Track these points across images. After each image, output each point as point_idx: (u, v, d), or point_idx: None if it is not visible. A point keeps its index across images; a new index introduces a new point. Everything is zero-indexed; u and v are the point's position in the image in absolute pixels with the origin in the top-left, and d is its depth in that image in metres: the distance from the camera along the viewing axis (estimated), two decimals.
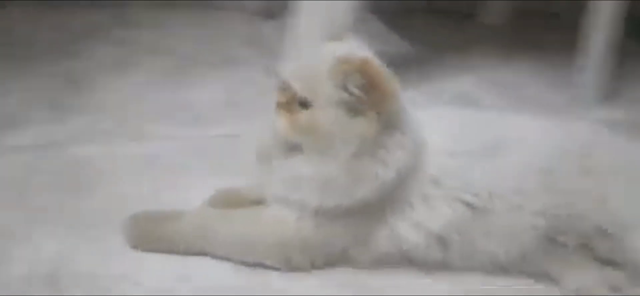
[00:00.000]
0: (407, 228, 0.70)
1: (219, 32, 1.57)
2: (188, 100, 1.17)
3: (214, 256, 0.71)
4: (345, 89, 0.65)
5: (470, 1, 1.93)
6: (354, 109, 0.65)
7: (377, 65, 0.67)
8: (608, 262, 0.68)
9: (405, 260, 0.71)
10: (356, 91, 0.64)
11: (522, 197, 0.70)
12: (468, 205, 0.70)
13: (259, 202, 0.77)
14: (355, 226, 0.70)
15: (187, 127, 1.06)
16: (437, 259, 0.71)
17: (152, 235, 0.72)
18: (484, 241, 0.70)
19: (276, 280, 0.70)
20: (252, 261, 0.71)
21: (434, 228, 0.69)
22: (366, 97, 0.64)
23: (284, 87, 0.69)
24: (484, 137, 0.75)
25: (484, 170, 0.71)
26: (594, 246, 0.69)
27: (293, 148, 0.69)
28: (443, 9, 1.95)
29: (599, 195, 0.70)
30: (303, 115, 0.67)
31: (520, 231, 0.70)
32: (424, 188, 0.70)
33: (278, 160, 0.72)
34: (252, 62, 1.39)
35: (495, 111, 0.87)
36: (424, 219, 0.69)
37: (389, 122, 0.67)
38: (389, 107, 0.66)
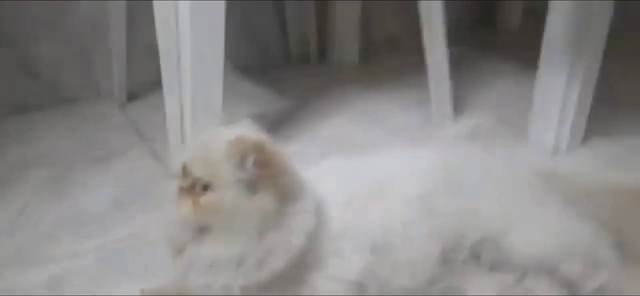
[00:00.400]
0: (327, 283, 0.76)
1: (89, 127, 1.53)
2: (79, 208, 1.13)
3: None
4: (242, 168, 0.71)
5: (322, 47, 2.09)
6: (252, 187, 0.71)
7: (271, 144, 0.74)
8: (496, 267, 0.79)
9: None
10: (251, 169, 0.70)
11: (411, 228, 0.80)
12: (372, 247, 0.78)
13: None
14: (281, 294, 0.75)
15: (86, 237, 1.03)
16: None
17: None
18: (395, 277, 0.79)
19: None
20: None
21: (351, 277, 0.77)
22: (262, 174, 0.71)
23: (185, 172, 0.73)
24: (369, 180, 0.85)
25: (375, 212, 0.80)
26: (481, 256, 0.80)
27: (203, 232, 0.73)
28: (297, 57, 2.09)
29: (472, 208, 0.82)
30: (205, 197, 0.71)
31: (419, 259, 0.79)
32: (332, 242, 0.78)
33: (191, 248, 0.75)
34: (133, 150, 1.39)
35: (373, 151, 0.97)
36: (339, 271, 0.77)
37: (288, 192, 0.74)
38: (284, 179, 0.73)
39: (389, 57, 2.13)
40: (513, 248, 0.79)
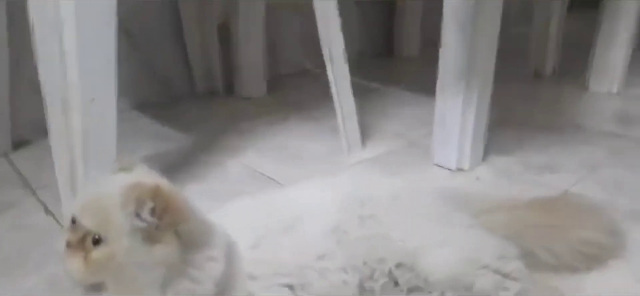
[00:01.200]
0: None
1: None
2: None
3: None
4: (139, 217, 0.64)
5: (229, 81, 2.06)
6: (151, 236, 0.65)
7: (169, 188, 0.68)
8: (413, 291, 0.79)
9: None
10: (149, 217, 0.64)
11: (325, 261, 0.78)
12: (287, 286, 0.75)
13: None
14: None
15: None
16: None
17: None
18: None
19: None
20: None
21: None
22: (161, 222, 0.65)
23: (74, 225, 0.66)
24: (279, 217, 0.82)
25: (288, 249, 0.78)
26: (397, 281, 0.79)
27: (96, 290, 0.66)
28: (203, 91, 2.04)
29: (384, 234, 0.82)
30: (97, 252, 0.64)
31: (337, 292, 0.77)
32: (245, 286, 0.73)
33: None
34: (20, 204, 1.25)
35: (284, 185, 0.95)
36: None
37: (191, 238, 0.68)
38: (186, 225, 0.67)
39: (296, 89, 2.14)
40: (428, 270, 0.80)
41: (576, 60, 2.22)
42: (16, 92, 1.49)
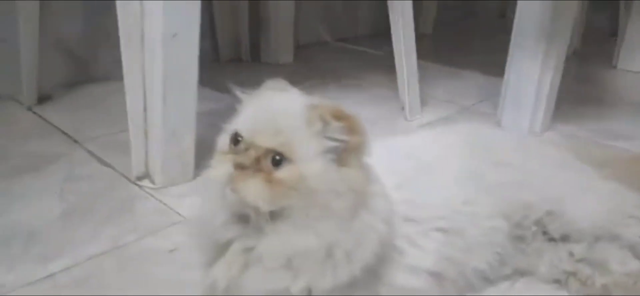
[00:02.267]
0: (404, 276, 0.64)
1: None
2: (18, 226, 0.86)
3: None
4: (329, 137, 0.56)
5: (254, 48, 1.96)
6: (339, 159, 0.56)
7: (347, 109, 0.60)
8: (562, 239, 0.74)
9: None
10: (341, 136, 0.56)
11: (473, 206, 0.72)
12: (442, 230, 0.68)
13: None
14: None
15: (43, 260, 0.78)
16: None
17: None
18: (467, 259, 0.70)
19: None
20: None
21: (427, 265, 0.66)
22: (350, 142, 0.56)
23: (245, 145, 0.56)
24: (413, 161, 0.75)
25: (432, 193, 0.71)
26: (547, 229, 0.74)
27: (265, 220, 0.55)
28: (227, 57, 1.94)
29: (524, 181, 0.76)
30: (284, 173, 0.54)
31: (489, 239, 0.71)
32: (402, 230, 0.66)
33: (241, 245, 0.58)
34: (69, 155, 1.12)
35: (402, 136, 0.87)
36: (415, 261, 0.65)
37: (366, 167, 0.61)
38: (366, 151, 0.60)
39: (323, 58, 2.06)
40: (576, 218, 0.75)
41: (595, 43, 2.25)
42: (41, 50, 1.36)
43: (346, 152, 0.57)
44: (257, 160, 0.55)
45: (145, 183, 1.00)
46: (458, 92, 1.66)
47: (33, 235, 0.84)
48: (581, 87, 1.81)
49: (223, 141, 0.59)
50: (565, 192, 0.77)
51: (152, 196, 0.97)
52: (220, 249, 0.60)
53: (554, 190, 0.76)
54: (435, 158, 0.77)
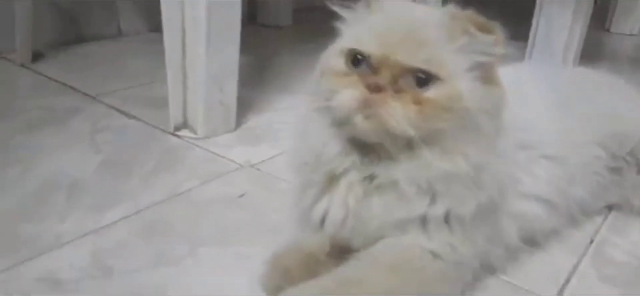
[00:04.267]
0: (524, 204, 0.60)
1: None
2: (62, 178, 0.76)
3: None
4: (477, 51, 0.49)
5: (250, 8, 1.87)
6: (484, 76, 0.50)
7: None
8: None
9: (529, 244, 0.62)
10: (491, 51, 0.50)
11: (571, 135, 0.68)
12: (551, 158, 0.64)
13: (338, 253, 0.55)
14: (489, 224, 0.56)
15: (100, 210, 0.69)
16: (553, 227, 0.65)
17: None
18: (573, 190, 0.66)
19: None
20: None
21: (542, 193, 0.62)
22: (496, 58, 0.51)
23: (376, 62, 0.48)
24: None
25: (536, 121, 0.67)
26: None
27: (402, 147, 0.49)
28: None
29: (612, 111, 0.74)
30: (435, 93, 0.47)
31: (591, 169, 0.68)
32: (516, 157, 0.61)
33: (364, 171, 0.52)
34: (88, 108, 1.02)
35: None
36: (532, 188, 0.61)
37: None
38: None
39: (321, 21, 1.98)
40: None
41: None
42: (36, 7, 1.23)
43: (492, 67, 0.51)
44: (395, 80, 0.48)
45: (185, 133, 0.92)
46: None
47: (76, 185, 0.74)
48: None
49: (334, 62, 0.51)
50: None
51: (196, 145, 0.89)
52: (329, 182, 0.54)
53: None
54: (520, 89, 0.73)
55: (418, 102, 0.47)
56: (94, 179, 0.76)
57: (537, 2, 1.27)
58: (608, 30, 2.06)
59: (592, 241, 0.67)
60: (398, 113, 0.47)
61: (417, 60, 0.48)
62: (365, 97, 0.47)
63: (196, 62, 0.88)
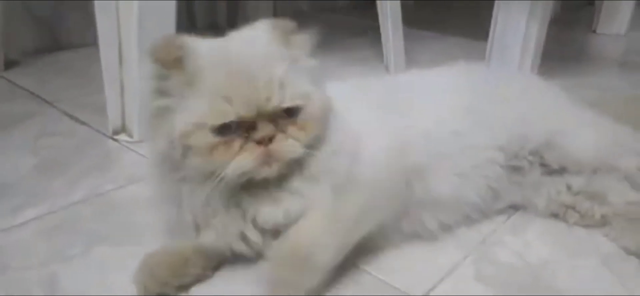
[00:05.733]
0: None
1: None
2: None
3: None
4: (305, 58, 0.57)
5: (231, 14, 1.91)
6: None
7: None
8: (560, 171, 0.73)
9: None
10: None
11: (464, 137, 0.69)
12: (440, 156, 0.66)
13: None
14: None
15: (17, 210, 0.73)
16: (442, 222, 0.68)
17: None
18: (457, 185, 0.67)
19: None
20: None
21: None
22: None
23: (256, 118, 0.52)
24: (405, 95, 0.73)
25: (428, 121, 0.68)
26: (544, 161, 0.72)
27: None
28: (204, 24, 1.89)
29: (523, 115, 0.74)
30: (311, 113, 0.54)
31: (482, 171, 0.69)
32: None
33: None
34: (40, 114, 1.07)
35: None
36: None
37: None
38: None
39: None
40: (575, 150, 0.73)
41: (574, 9, 2.26)
42: (8, 15, 1.29)
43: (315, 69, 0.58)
44: (275, 123, 0.53)
45: (122, 137, 0.95)
46: (442, 54, 1.63)
47: (5, 187, 0.78)
48: (564, 49, 1.81)
49: (201, 139, 0.52)
50: (562, 124, 0.75)
51: (130, 149, 0.92)
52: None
53: (552, 123, 0.74)
54: (429, 92, 0.74)
55: (302, 128, 0.54)
56: (24, 181, 0.81)
57: (495, 2, 1.27)
58: (594, 31, 2.03)
59: (484, 241, 0.68)
60: (295, 145, 0.54)
61: (286, 101, 0.53)
62: (263, 153, 0.52)
63: (131, 67, 0.92)
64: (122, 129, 0.96)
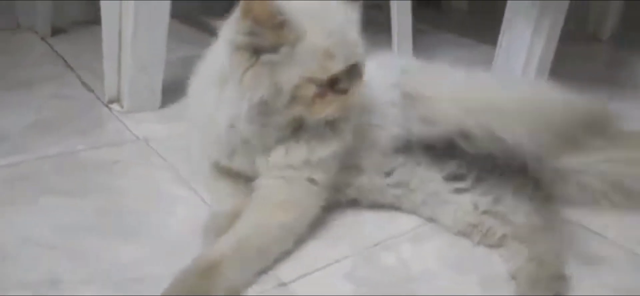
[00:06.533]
0: None
1: (9, 56, 1.34)
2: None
3: None
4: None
5: None
6: None
7: None
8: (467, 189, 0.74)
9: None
10: None
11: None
12: None
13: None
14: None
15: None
16: None
17: None
18: None
19: None
20: None
21: None
22: None
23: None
24: None
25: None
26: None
27: None
28: None
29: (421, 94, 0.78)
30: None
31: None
32: None
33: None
34: (60, 77, 1.22)
35: None
36: None
37: None
38: None
39: None
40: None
41: (636, 27, 2.11)
42: None
43: None
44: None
45: (115, 106, 1.07)
46: (460, 60, 1.61)
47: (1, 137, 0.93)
48: (595, 69, 1.72)
49: (304, 91, 0.63)
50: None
51: (117, 118, 1.04)
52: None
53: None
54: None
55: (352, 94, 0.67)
56: (18, 134, 0.94)
57: (505, 18, 1.25)
58: None
59: (378, 243, 0.71)
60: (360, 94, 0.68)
61: (362, 58, 0.67)
62: (346, 102, 0.67)
63: (127, 47, 1.03)
64: (117, 99, 1.08)
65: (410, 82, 0.79)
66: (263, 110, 0.64)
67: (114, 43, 1.05)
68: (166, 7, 1.04)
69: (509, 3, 1.22)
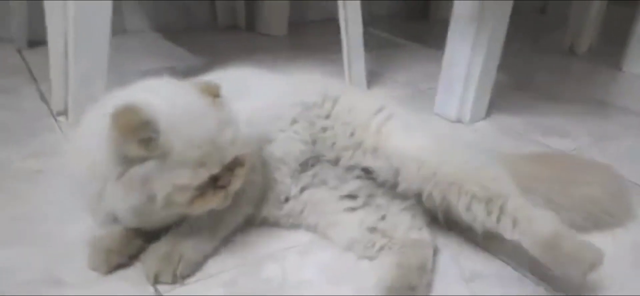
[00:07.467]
0: None
1: None
2: None
3: None
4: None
5: (251, 17, 2.05)
6: None
7: None
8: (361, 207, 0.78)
9: None
10: None
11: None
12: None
13: None
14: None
15: None
16: None
17: None
18: None
19: None
20: None
21: None
22: None
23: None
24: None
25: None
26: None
27: None
28: (224, 24, 2.04)
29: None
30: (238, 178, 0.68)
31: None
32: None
33: None
34: (18, 89, 1.29)
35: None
36: None
37: None
38: None
39: (319, 33, 2.10)
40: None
41: (615, 41, 2.10)
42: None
43: None
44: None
45: (62, 119, 1.13)
46: (429, 77, 1.63)
47: None
48: (564, 84, 1.73)
49: (180, 198, 0.64)
50: None
51: (60, 129, 1.09)
52: None
53: None
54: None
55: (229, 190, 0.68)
56: None
57: (448, 37, 1.28)
58: (620, 68, 1.89)
59: (266, 254, 0.75)
60: (241, 180, 0.69)
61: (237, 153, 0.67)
62: (227, 194, 0.68)
63: (72, 63, 1.09)
64: (64, 112, 1.14)
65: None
66: (141, 212, 0.65)
67: (61, 59, 1.11)
68: (107, 23, 1.09)
69: (451, 19, 1.25)
